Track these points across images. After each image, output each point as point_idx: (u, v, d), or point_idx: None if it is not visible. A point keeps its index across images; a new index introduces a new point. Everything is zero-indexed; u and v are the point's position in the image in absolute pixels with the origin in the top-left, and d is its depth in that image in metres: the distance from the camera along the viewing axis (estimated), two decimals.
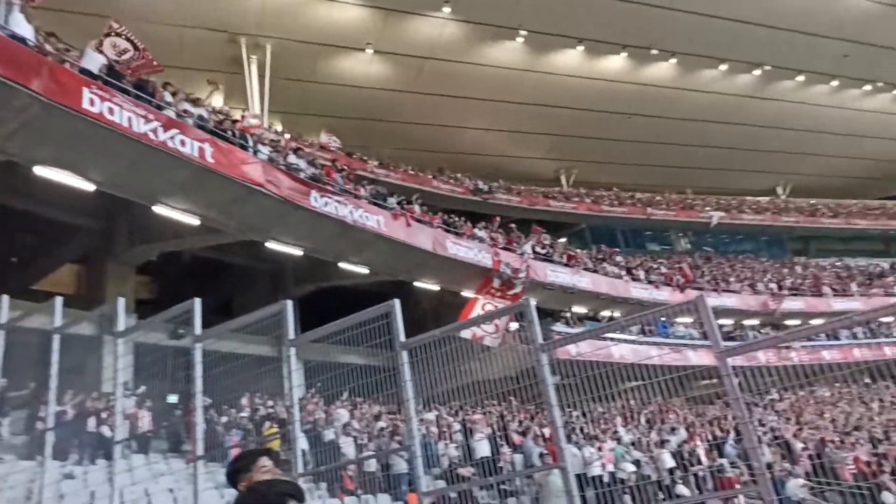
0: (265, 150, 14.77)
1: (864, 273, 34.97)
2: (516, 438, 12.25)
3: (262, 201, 13.74)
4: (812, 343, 23.98)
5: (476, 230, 20.61)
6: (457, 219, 21.25)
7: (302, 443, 9.40)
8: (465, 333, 14.25)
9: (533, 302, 5.81)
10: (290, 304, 5.82)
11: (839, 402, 20.33)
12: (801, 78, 36.48)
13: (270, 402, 13.19)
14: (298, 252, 16.21)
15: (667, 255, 34.13)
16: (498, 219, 23.83)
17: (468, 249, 19.00)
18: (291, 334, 5.77)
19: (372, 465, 10.79)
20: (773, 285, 27.65)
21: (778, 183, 45.34)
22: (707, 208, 37.55)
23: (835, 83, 37.38)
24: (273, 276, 19.62)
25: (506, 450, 11.51)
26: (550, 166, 39.19)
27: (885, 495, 9.76)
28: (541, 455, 10.35)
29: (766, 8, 30.56)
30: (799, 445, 13.03)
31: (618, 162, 39.07)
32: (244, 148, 13.92)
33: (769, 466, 10.75)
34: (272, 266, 18.98)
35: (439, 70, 29.86)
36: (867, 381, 23.11)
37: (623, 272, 24.55)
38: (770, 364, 18.86)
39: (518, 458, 11.57)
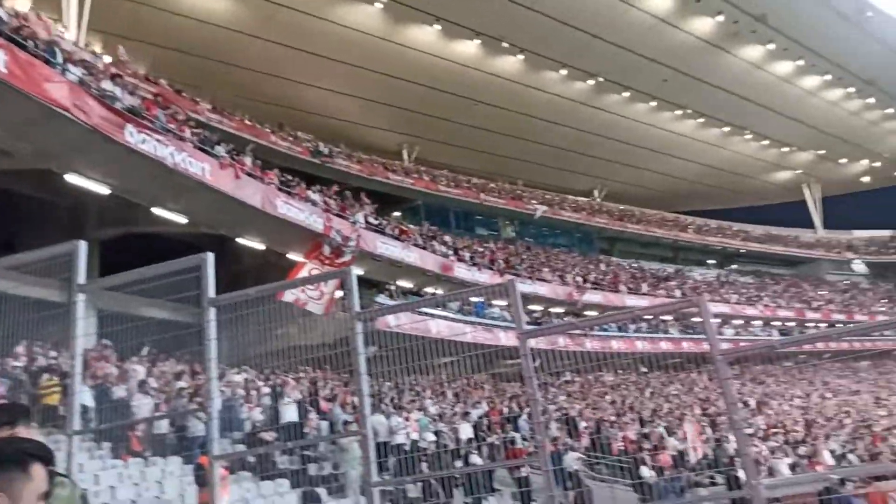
0: (76, 71, 12.99)
1: (654, 275, 39.73)
2: (325, 405, 12.24)
3: (65, 127, 12.12)
4: (603, 333, 26.80)
5: (310, 192, 20.06)
6: (291, 178, 20.51)
7: (85, 398, 8.54)
8: (289, 297, 13.86)
9: (355, 270, 5.73)
10: (83, 244, 5.18)
11: (619, 386, 23.05)
12: (626, 94, 40.15)
13: (53, 353, 11.80)
14: (105, 190, 14.58)
15: (493, 240, 35.98)
16: (336, 185, 23.42)
17: (300, 211, 18.44)
18: (82, 278, 5.15)
19: (164, 426, 10.12)
20: (579, 278, 30.33)
21: (595, 186, 49.77)
22: (533, 201, 40.12)
23: (653, 104, 41.65)
24: (72, 213, 17.44)
25: (313, 416, 11.45)
26: (394, 139, 39.28)
27: (643, 469, 11.26)
28: (345, 423, 10.44)
29: (612, 25, 33.08)
30: (582, 424, 14.59)
31: (459, 145, 40.26)
32: (49, 64, 12.13)
33: (554, 440, 11.89)
34: (71, 202, 16.85)
35: (292, 21, 28.37)
36: (644, 369, 26.44)
37: (450, 252, 25.43)
38: (568, 349, 20.78)
39: (325, 424, 11.58)
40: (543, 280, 28.46)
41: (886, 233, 59.99)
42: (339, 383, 14.57)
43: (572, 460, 9.01)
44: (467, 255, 26.38)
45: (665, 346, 29.84)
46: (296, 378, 14.06)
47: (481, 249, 29.35)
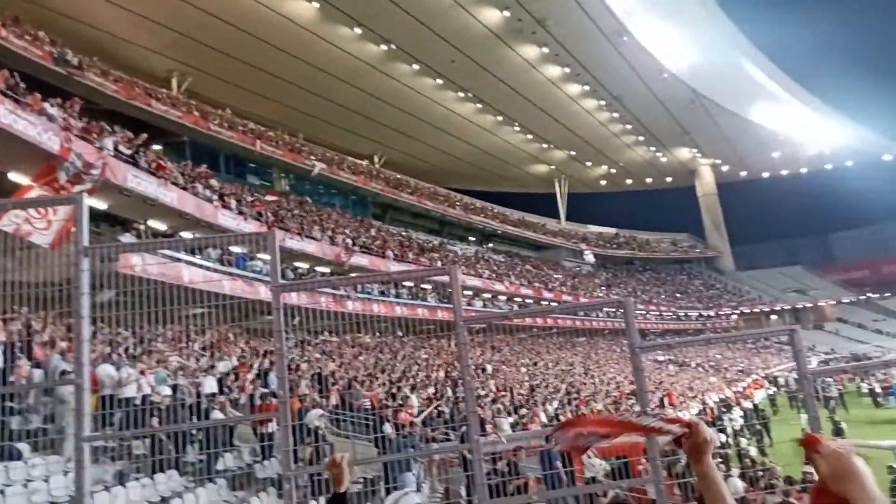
0: None
1: (421, 246, 41.67)
2: (40, 352, 10.59)
3: None
4: (365, 296, 27.43)
5: (47, 105, 17.00)
6: (24, 85, 17.17)
7: None
8: (8, 225, 11.61)
9: (90, 200, 4.92)
10: None
11: (375, 348, 23.82)
12: (416, 67, 41.06)
13: None
14: None
15: (265, 190, 34.40)
16: (80, 102, 20.11)
17: (30, 125, 15.55)
18: None
19: None
20: (349, 240, 30.50)
21: (376, 152, 50.41)
22: (312, 157, 39.18)
23: (440, 81, 43.25)
24: None
25: (24, 362, 9.83)
26: (163, 64, 35.20)
27: (386, 426, 11.81)
28: (63, 372, 9.16)
29: None
30: (335, 383, 14.79)
31: (239, 85, 37.55)
32: None
33: (302, 397, 11.86)
34: None
35: None
36: (399, 333, 27.66)
37: (215, 197, 23.70)
38: (329, 308, 20.82)
39: (38, 372, 10.03)
40: (313, 238, 28.04)
41: (612, 230, 70.71)
42: (63, 328, 12.74)
43: (315, 417, 9.09)
44: (234, 202, 24.82)
45: (422, 312, 31.54)
46: (6, 318, 11.92)
47: (251, 199, 27.85)
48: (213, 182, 25.82)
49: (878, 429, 19.60)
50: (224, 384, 12.16)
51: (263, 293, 19.35)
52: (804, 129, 60.94)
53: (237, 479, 9.74)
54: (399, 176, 49.55)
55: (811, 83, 56.03)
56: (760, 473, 10.15)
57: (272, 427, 10.34)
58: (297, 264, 27.06)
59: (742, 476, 9.85)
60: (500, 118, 50.65)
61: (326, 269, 28.31)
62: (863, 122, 62.42)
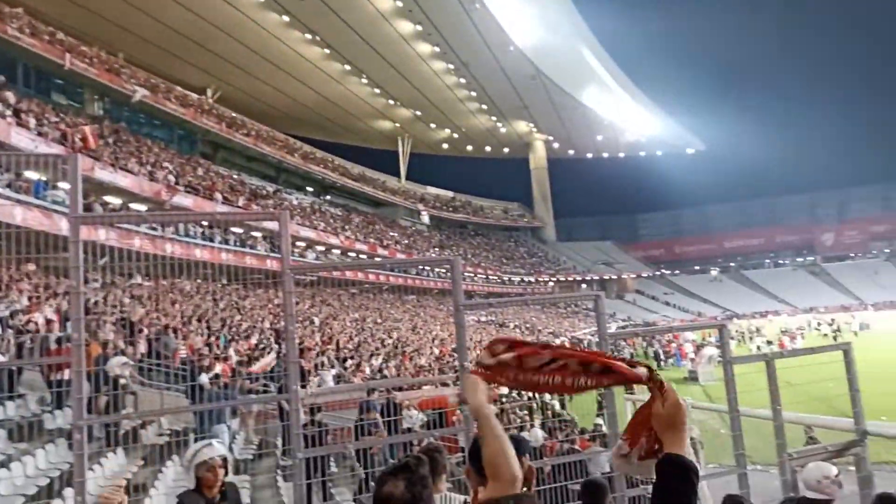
0: None
1: (254, 192, 39.62)
2: None
3: None
4: (187, 239, 25.55)
5: None
6: None
7: None
8: None
9: None
10: None
11: (195, 295, 22.36)
12: None
13: None
14: None
15: (74, 112, 30.34)
16: None
17: None
18: None
19: None
20: (172, 177, 28.09)
21: (210, 85, 46.54)
22: (134, 81, 35.18)
23: (286, 18, 40.76)
24: None
25: None
26: None
27: (202, 377, 11.20)
28: None
29: None
30: (144, 330, 13.64)
31: None
32: None
33: (105, 343, 10.79)
34: None
35: None
36: (224, 281, 26.22)
37: (9, 111, 20.43)
38: (144, 250, 19.10)
39: None
40: (128, 171, 25.37)
41: (450, 193, 72.70)
42: None
43: (117, 364, 8.32)
44: (33, 120, 21.58)
45: (250, 261, 30.17)
46: None
47: (55, 119, 24.39)
48: (9, 95, 22.21)
49: None
50: (7, 325, 10.68)
51: (65, 227, 17.22)
52: (626, 117, 66.93)
53: (22, 430, 8.68)
54: (234, 114, 46.36)
55: (638, 76, 61.54)
56: (560, 424, 11.21)
57: (68, 374, 9.33)
58: (108, 199, 24.37)
59: (542, 426, 10.78)
60: (347, 67, 49.21)
61: (142, 207, 25.84)
62: (675, 118, 70.14)
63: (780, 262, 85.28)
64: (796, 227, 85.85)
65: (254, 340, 15.96)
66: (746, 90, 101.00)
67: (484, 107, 62.62)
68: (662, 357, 32.32)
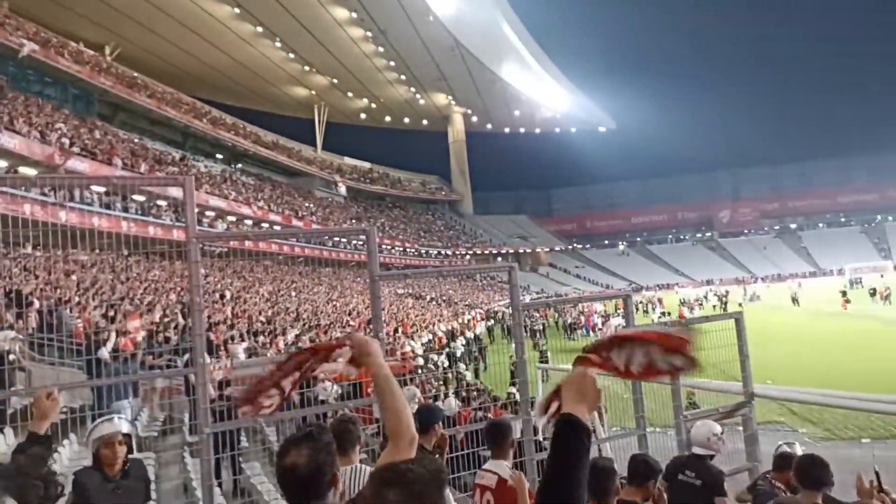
0: None
1: (158, 157, 37.44)
2: None
3: None
4: (85, 207, 23.87)
5: None
6: None
7: None
8: None
9: None
10: None
11: (93, 266, 21.01)
12: None
13: None
14: None
15: None
16: None
17: None
18: None
19: None
20: (66, 140, 26.07)
21: (108, 42, 43.29)
22: (21, 34, 32.11)
23: None
24: None
25: None
26: None
27: (102, 351, 10.57)
28: None
29: None
30: (36, 302, 12.69)
31: None
32: None
33: None
34: None
35: None
36: (125, 252, 24.77)
37: None
38: (36, 217, 17.67)
39: None
40: (15, 132, 23.31)
41: (367, 165, 71.74)
42: None
43: (4, 339, 7.71)
44: None
45: (154, 231, 28.67)
46: None
47: None
48: None
49: (570, 356, 23.51)
50: None
51: None
52: (543, 93, 68.16)
53: None
54: (136, 74, 43.37)
55: (555, 53, 62.64)
56: (474, 393, 11.45)
57: None
58: None
59: (457, 395, 10.98)
60: (259, 29, 47.08)
61: (31, 171, 23.86)
62: (588, 96, 72.13)
63: (682, 237, 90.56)
64: (696, 204, 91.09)
65: (158, 314, 15.21)
66: (656, 73, 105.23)
67: (402, 77, 61.87)
68: (572, 326, 33.63)
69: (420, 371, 13.61)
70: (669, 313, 37.61)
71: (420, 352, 19.46)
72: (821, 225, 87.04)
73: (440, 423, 3.65)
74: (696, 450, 4.03)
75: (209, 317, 16.83)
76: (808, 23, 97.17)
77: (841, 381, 15.05)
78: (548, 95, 69.09)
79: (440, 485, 1.25)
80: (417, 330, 25.76)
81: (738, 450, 6.62)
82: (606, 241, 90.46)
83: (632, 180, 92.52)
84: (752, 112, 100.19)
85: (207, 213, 35.82)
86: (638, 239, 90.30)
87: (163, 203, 30.49)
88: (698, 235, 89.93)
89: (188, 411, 8.44)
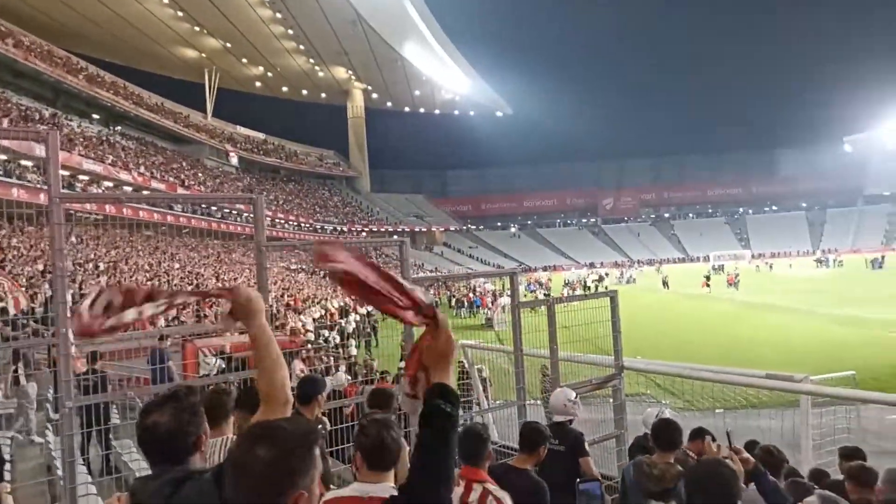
0: None
1: (24, 113, 34.01)
2: None
3: None
4: None
5: None
6: None
7: None
8: None
9: None
10: None
11: None
12: None
13: None
14: None
15: None
16: None
17: None
18: None
19: None
20: None
21: None
22: None
23: None
24: None
25: None
26: None
27: None
28: None
29: None
30: None
31: None
32: None
33: None
34: None
35: None
36: None
37: None
38: None
39: None
40: None
41: (261, 135, 68.98)
42: None
43: None
44: None
45: (18, 193, 26.09)
46: None
47: None
48: None
49: (459, 333, 24.10)
50: None
51: None
52: (444, 74, 68.33)
53: None
54: (2, 21, 38.92)
55: (457, 36, 62.85)
56: (364, 370, 11.47)
57: None
58: None
59: (348, 369, 10.97)
60: None
61: None
62: (487, 81, 73.19)
63: (569, 222, 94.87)
64: (583, 191, 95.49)
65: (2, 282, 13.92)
66: (552, 63, 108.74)
67: (302, 47, 59.75)
68: (464, 304, 34.35)
69: (309, 346, 13.44)
70: (549, 294, 39.35)
71: (311, 327, 19.17)
72: (691, 215, 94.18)
73: (322, 395, 3.66)
74: (557, 417, 4.28)
75: (80, 286, 15.66)
76: (689, 23, 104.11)
77: (700, 356, 16.51)
78: (448, 78, 69.37)
79: (311, 444, 1.22)
80: (309, 305, 25.33)
81: (608, 419, 7.12)
82: (499, 223, 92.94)
83: (526, 165, 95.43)
84: (639, 106, 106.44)
85: (81, 176, 33.11)
86: (529, 222, 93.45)
87: (28, 163, 27.80)
88: (584, 221, 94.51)
89: (51, 385, 7.85)
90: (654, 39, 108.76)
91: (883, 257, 52.27)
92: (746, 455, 2.94)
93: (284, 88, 69.93)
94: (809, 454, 6.48)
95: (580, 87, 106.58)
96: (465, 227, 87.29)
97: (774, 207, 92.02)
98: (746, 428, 10.25)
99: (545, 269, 72.05)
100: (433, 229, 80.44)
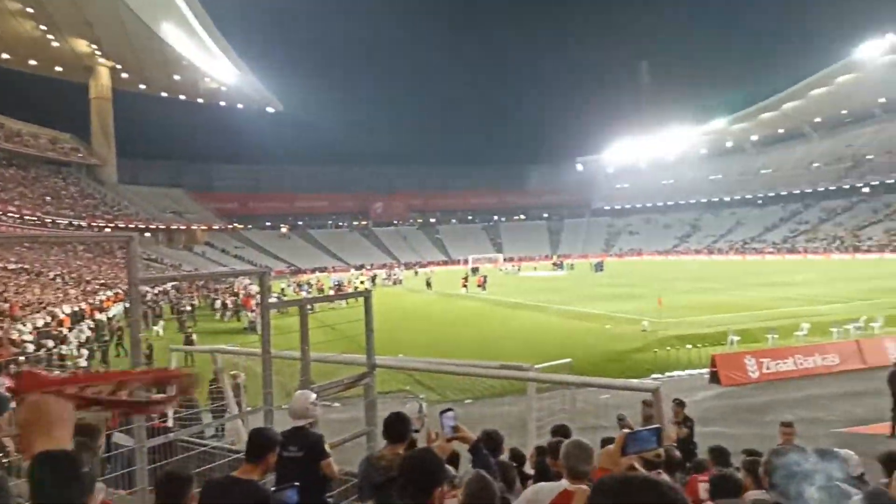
0: None
1: None
2: None
3: None
4: None
5: None
6: None
7: None
8: None
9: None
10: None
11: None
12: None
13: None
14: None
15: None
16: None
17: None
18: None
19: None
20: None
21: None
22: None
23: None
24: None
25: None
26: None
27: None
28: None
29: None
30: None
31: None
32: None
33: None
34: None
35: None
36: None
37: None
38: None
39: None
40: None
41: None
42: None
43: None
44: None
45: None
46: None
47: None
48: None
49: (218, 337, 22.59)
50: None
51: None
52: (208, 62, 63.75)
53: None
54: None
55: (224, 24, 58.89)
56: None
57: None
58: None
59: None
60: None
61: None
62: (258, 75, 70.04)
63: (340, 224, 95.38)
64: (356, 194, 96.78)
65: None
66: (331, 66, 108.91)
67: (31, 10, 51.07)
68: (225, 308, 32.41)
69: (26, 358, 11.50)
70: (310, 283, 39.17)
71: (29, 337, 16.37)
72: (454, 221, 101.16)
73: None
74: (297, 422, 4.20)
75: None
76: (451, 50, 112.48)
77: (457, 351, 17.75)
78: (214, 66, 64.91)
79: None
80: (31, 312, 21.67)
81: (360, 417, 7.20)
82: (269, 223, 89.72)
83: (299, 165, 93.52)
84: (412, 115, 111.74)
85: None
86: (300, 223, 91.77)
87: None
88: (355, 223, 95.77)
89: None
90: (426, 58, 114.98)
91: (603, 261, 61.73)
92: (466, 435, 3.14)
93: (5, 55, 59.13)
94: (534, 434, 7.27)
95: (356, 92, 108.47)
96: (231, 226, 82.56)
97: (523, 217, 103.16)
98: (488, 414, 11.25)
99: (316, 270, 71.34)
100: (194, 227, 74.62)
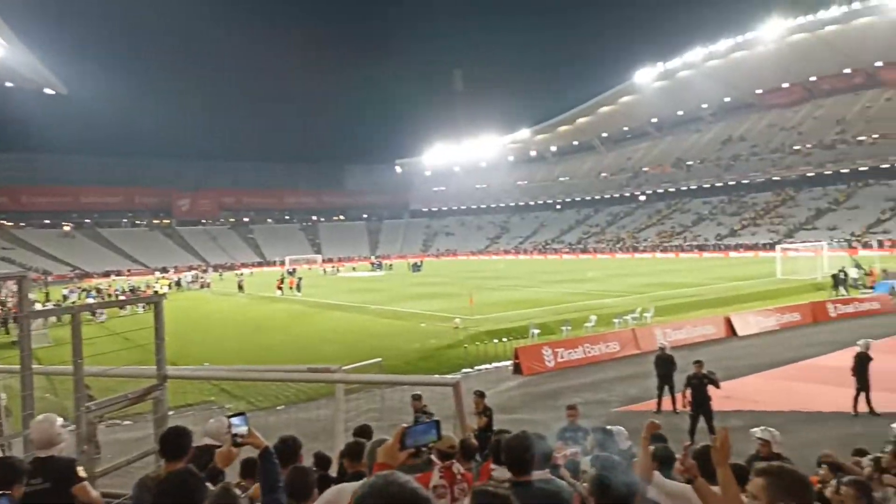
0: None
1: None
2: None
3: None
4: None
5: None
6: None
7: None
8: None
9: None
10: None
11: None
12: None
13: None
14: None
15: None
16: None
17: None
18: None
19: None
20: None
21: None
22: None
23: None
24: None
25: None
26: None
27: None
28: None
29: None
30: None
31: None
32: None
33: None
34: None
35: None
36: None
37: None
38: None
39: None
40: None
41: None
42: None
43: None
44: None
45: None
46: None
47: None
48: None
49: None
50: None
51: None
52: None
53: None
54: None
55: None
56: None
57: None
58: None
59: None
60: None
61: None
62: (34, 52, 60.91)
63: (138, 222, 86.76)
64: (156, 189, 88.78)
65: None
66: (128, 50, 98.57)
67: None
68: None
69: None
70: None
71: None
72: (269, 220, 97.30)
73: None
74: (38, 452, 3.63)
75: None
76: (268, 48, 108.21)
77: (269, 357, 17.00)
78: None
79: None
80: None
81: (148, 435, 6.53)
82: (48, 220, 78.72)
83: (86, 155, 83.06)
84: (223, 109, 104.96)
85: None
86: (88, 220, 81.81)
87: None
88: (155, 221, 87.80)
89: None
90: (242, 51, 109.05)
91: (421, 261, 63.48)
92: (256, 441, 2.98)
93: None
94: (342, 436, 7.16)
95: (164, 82, 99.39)
96: None
97: (342, 217, 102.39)
98: (301, 419, 10.91)
99: (108, 274, 64.10)
100: None
